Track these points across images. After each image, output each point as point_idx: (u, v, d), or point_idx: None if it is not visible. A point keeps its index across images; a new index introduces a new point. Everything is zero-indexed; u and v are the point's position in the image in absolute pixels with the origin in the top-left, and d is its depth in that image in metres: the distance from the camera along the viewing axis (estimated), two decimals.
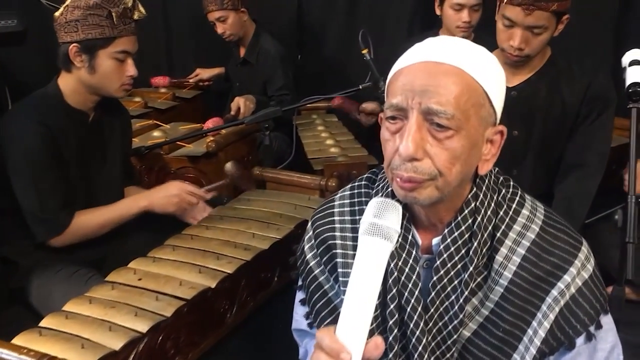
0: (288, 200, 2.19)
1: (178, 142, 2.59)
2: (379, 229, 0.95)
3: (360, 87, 2.47)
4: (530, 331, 1.03)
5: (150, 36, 3.68)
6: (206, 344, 1.74)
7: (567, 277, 1.02)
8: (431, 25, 3.15)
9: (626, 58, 1.77)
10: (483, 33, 2.81)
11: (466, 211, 1.04)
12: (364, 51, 2.42)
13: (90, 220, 1.96)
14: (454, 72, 0.96)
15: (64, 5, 1.86)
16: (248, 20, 3.31)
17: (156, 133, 2.76)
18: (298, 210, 2.11)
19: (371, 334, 0.96)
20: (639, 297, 1.99)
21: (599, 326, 1.04)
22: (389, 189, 1.10)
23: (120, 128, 2.16)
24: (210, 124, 2.76)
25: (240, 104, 3.02)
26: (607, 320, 1.06)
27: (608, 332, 1.06)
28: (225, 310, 1.81)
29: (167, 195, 2.05)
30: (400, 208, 0.98)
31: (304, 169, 2.70)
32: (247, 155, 2.68)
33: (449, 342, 1.06)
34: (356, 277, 0.94)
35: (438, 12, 2.84)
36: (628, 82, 1.67)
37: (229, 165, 2.06)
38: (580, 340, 1.03)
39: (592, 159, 2.01)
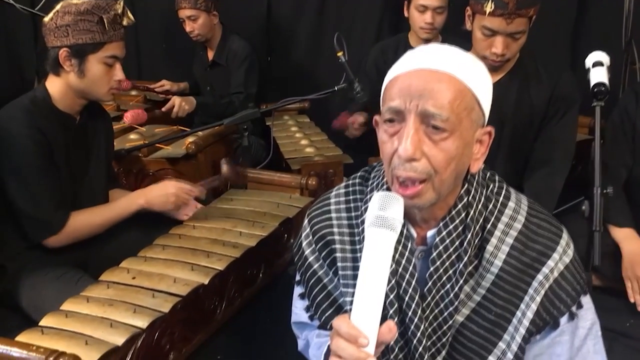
0: (270, 199, 2.26)
1: (157, 145, 2.62)
2: (384, 220, 1.02)
3: (336, 88, 2.55)
4: (519, 313, 1.13)
5: None
6: (198, 340, 1.79)
7: (550, 263, 1.12)
8: (399, 28, 3.25)
9: (589, 60, 1.89)
10: (450, 35, 2.93)
11: (460, 205, 1.13)
12: (339, 53, 2.49)
13: (88, 220, 2.00)
14: (447, 78, 1.04)
15: (53, 11, 1.88)
16: (217, 24, 3.36)
17: (133, 135, 2.79)
18: (281, 208, 2.18)
19: None
20: (604, 284, 2.12)
21: (580, 306, 1.14)
22: (384, 186, 1.18)
23: (104, 131, 2.18)
24: (129, 115, 2.80)
25: (176, 103, 3.10)
26: (586, 300, 1.16)
27: (588, 311, 1.16)
28: (215, 306, 1.87)
29: (165, 194, 2.08)
30: (402, 200, 1.06)
31: (279, 170, 2.77)
32: (224, 156, 2.72)
33: (444, 327, 1.15)
34: (366, 266, 1.01)
35: (406, 13, 2.94)
36: (593, 82, 1.79)
37: (223, 165, 2.14)
38: (563, 320, 1.13)
39: (558, 156, 2.13)
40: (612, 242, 2.06)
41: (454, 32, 2.77)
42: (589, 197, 1.75)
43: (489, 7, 1.93)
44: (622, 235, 2.08)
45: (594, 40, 2.99)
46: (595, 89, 1.77)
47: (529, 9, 1.93)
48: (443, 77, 1.04)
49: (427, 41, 2.91)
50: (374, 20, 3.54)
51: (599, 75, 1.79)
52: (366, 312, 1.00)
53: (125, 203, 2.08)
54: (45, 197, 1.90)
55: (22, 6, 2.56)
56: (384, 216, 1.02)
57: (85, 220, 1.99)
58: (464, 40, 2.13)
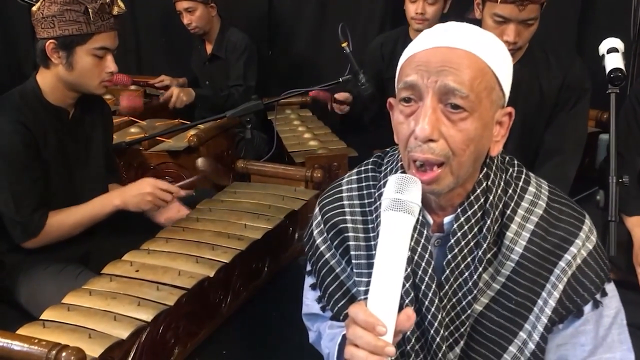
0: (274, 192, 2.22)
1: (158, 137, 2.57)
2: (401, 204, 0.97)
3: (341, 79, 2.51)
4: (540, 302, 1.08)
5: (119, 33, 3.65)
6: (203, 334, 1.76)
7: (573, 249, 1.08)
8: (402, 21, 3.21)
9: (603, 46, 1.86)
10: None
11: (478, 190, 1.09)
12: (344, 44, 2.45)
13: (64, 220, 1.91)
14: (468, 56, 1.00)
15: (41, 0, 1.82)
16: (215, 16, 3.32)
17: (133, 129, 2.74)
18: (286, 201, 2.14)
19: None
20: (618, 277, 2.08)
21: (604, 294, 1.10)
22: (399, 172, 1.13)
23: (102, 124, 2.12)
24: (125, 98, 2.74)
25: (174, 93, 3.06)
26: (610, 288, 1.12)
27: (612, 298, 1.12)
28: (221, 300, 1.83)
29: (140, 193, 1.97)
30: (419, 182, 1.00)
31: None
32: (227, 150, 2.69)
33: (462, 317, 1.11)
34: (383, 252, 0.96)
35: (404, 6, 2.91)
36: (609, 67, 1.75)
37: (200, 161, 2.04)
38: (587, 308, 1.09)
39: (570, 145, 2.10)
40: (626, 232, 2.02)
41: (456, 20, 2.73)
42: (604, 186, 1.71)
43: None
44: (633, 222, 2.04)
45: (601, 31, 2.95)
46: (612, 75, 1.73)
47: None
48: (463, 55, 1.00)
49: (420, 32, 2.85)
50: (378, 11, 3.50)
51: (615, 61, 1.75)
52: (384, 300, 0.95)
53: (100, 203, 1.97)
54: (25, 198, 1.82)
55: None
56: (401, 199, 0.97)
57: (60, 221, 1.89)
58: None
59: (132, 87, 3.54)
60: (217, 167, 2.10)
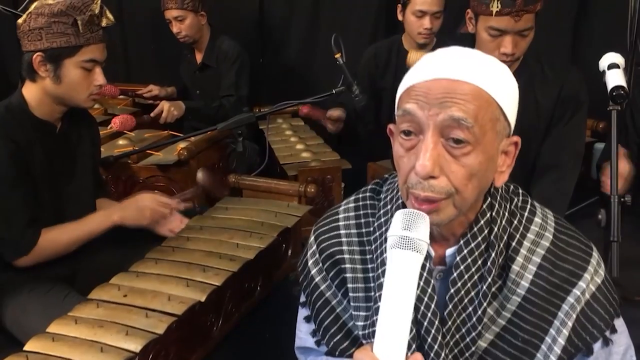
0: (267, 208, 2.16)
1: (147, 151, 2.52)
2: (409, 241, 0.93)
3: (334, 91, 2.45)
4: (548, 339, 1.04)
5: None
6: (194, 359, 1.70)
7: (582, 284, 1.04)
8: (394, 30, 3.17)
9: (604, 62, 1.82)
10: (445, 37, 2.84)
11: (482, 222, 1.04)
12: (337, 55, 2.41)
13: (58, 237, 1.86)
14: (471, 89, 0.95)
15: (27, 12, 1.77)
16: (205, 24, 3.26)
17: (121, 141, 2.69)
18: (279, 217, 2.08)
19: None
20: (620, 294, 2.04)
21: (614, 330, 1.06)
22: (399, 201, 1.08)
23: (89, 137, 2.07)
24: (117, 120, 2.69)
25: (165, 108, 3.00)
26: (619, 323, 1.08)
27: (621, 335, 1.08)
28: (212, 323, 1.77)
29: (138, 208, 1.96)
30: (427, 218, 0.96)
31: (274, 176, 2.67)
32: (217, 163, 2.64)
33: (466, 354, 1.06)
34: (389, 292, 0.92)
35: (400, 17, 2.85)
36: (610, 85, 1.71)
37: (199, 174, 2.02)
38: (597, 346, 1.05)
39: (568, 159, 2.06)
40: (627, 250, 1.98)
41: (448, 35, 2.70)
42: (606, 205, 1.67)
43: (495, 7, 1.85)
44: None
45: (596, 41, 2.93)
46: (615, 93, 1.69)
47: (535, 3, 1.87)
48: (465, 88, 0.95)
49: (423, 46, 2.82)
50: (370, 19, 3.46)
51: (616, 78, 1.72)
52: (391, 344, 0.91)
53: (98, 219, 1.93)
54: (16, 215, 1.77)
55: (3, 7, 2.44)
56: (409, 237, 0.93)
57: (54, 238, 1.84)
58: (459, 44, 2.06)
59: (121, 97, 3.49)
60: (217, 179, 2.07)
